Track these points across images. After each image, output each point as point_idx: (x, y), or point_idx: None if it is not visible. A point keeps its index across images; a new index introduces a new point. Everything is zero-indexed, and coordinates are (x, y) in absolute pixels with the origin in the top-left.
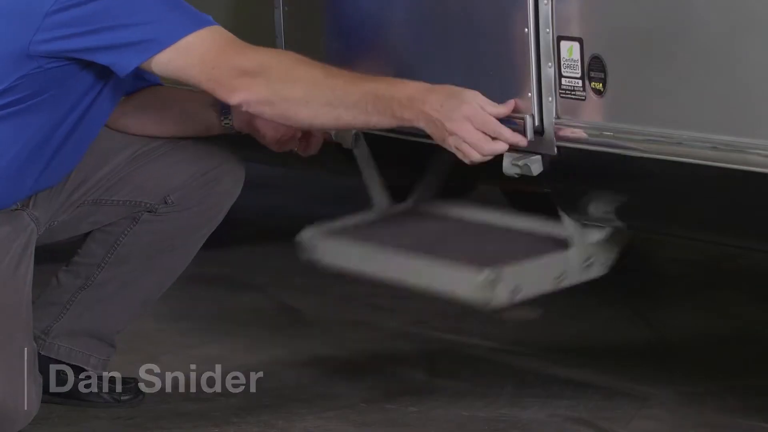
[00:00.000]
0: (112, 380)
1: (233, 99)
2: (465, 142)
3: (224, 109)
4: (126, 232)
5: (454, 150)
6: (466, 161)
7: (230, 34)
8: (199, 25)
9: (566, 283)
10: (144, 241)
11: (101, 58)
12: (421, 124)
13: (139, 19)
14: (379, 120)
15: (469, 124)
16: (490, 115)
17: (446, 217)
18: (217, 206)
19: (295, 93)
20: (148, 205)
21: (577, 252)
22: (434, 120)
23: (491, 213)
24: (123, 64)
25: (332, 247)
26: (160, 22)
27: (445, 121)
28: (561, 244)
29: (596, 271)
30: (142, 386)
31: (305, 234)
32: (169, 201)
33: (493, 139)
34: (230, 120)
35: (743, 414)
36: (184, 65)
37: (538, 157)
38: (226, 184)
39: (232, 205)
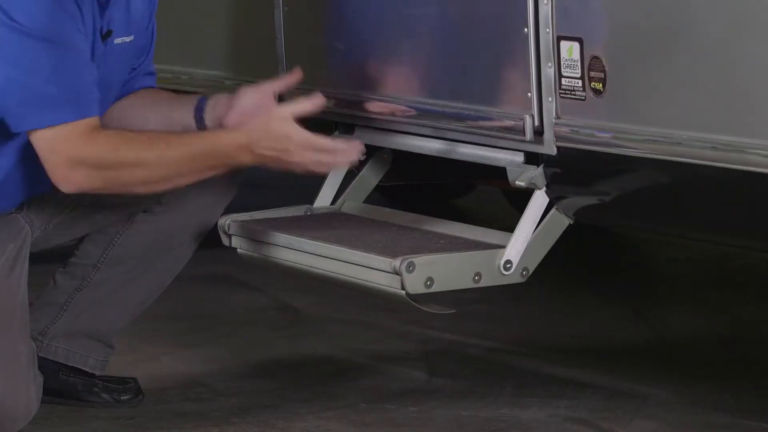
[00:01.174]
0: (111, 380)
1: (64, 188)
2: (313, 163)
3: (199, 117)
4: (121, 232)
5: (306, 172)
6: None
7: (91, 121)
8: (73, 114)
9: (483, 283)
10: (139, 242)
11: None
12: (263, 163)
13: (20, 78)
14: (216, 172)
15: (307, 150)
16: (299, 112)
17: (368, 219)
18: (212, 205)
19: (132, 178)
20: (142, 205)
21: (495, 254)
22: (274, 158)
23: (415, 218)
24: (9, 123)
25: (249, 235)
26: (35, 99)
27: (286, 158)
28: (480, 245)
29: (515, 277)
30: (141, 386)
31: (223, 221)
32: (164, 200)
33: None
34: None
35: (743, 414)
36: (39, 148)
37: (540, 169)
38: (221, 184)
39: (228, 204)
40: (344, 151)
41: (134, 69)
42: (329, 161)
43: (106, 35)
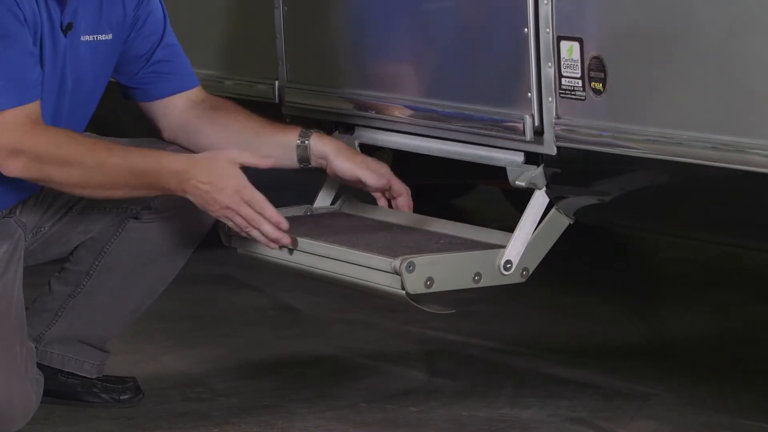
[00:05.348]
0: (110, 380)
1: (5, 171)
2: (239, 215)
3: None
4: (112, 240)
5: (225, 220)
6: (242, 233)
7: (33, 113)
8: (11, 101)
9: (483, 283)
10: (130, 249)
11: None
12: (189, 197)
13: None
14: (147, 193)
15: (239, 198)
16: (249, 162)
17: (368, 219)
18: (203, 212)
19: (69, 178)
20: (133, 211)
21: (495, 254)
22: (202, 193)
23: (415, 219)
24: None
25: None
26: None
27: (216, 195)
28: (480, 245)
29: (515, 277)
30: (142, 386)
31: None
32: (153, 206)
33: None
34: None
35: (743, 414)
36: None
37: (540, 170)
38: None
39: None
40: (273, 226)
41: (145, 65)
42: (253, 221)
43: (67, 29)
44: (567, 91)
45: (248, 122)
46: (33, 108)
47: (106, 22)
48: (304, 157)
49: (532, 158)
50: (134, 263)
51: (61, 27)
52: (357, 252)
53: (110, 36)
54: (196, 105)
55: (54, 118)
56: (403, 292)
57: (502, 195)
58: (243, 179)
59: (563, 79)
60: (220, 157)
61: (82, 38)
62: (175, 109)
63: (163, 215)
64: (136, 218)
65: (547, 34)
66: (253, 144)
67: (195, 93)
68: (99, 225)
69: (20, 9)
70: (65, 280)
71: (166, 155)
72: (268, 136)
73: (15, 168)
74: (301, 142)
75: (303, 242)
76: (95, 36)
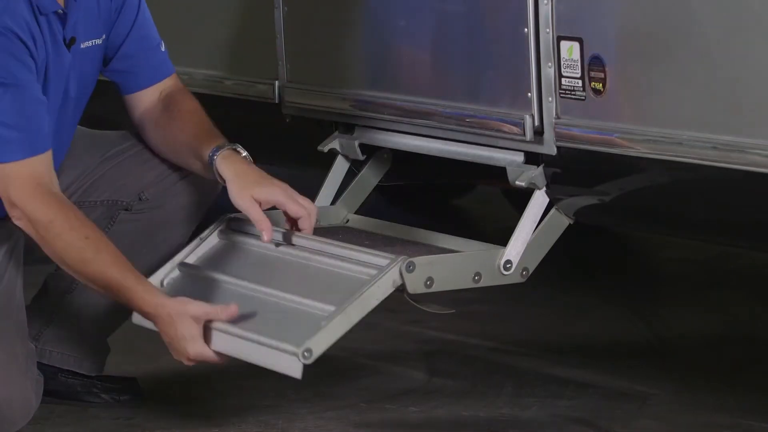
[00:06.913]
0: (111, 380)
1: (11, 215)
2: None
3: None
4: (104, 232)
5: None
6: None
7: (39, 167)
8: (22, 153)
9: (483, 283)
10: (123, 242)
11: None
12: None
13: None
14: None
15: (188, 360)
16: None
17: (374, 233)
18: (195, 204)
19: (50, 251)
20: (123, 203)
21: (495, 254)
22: (164, 340)
23: (422, 234)
24: None
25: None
26: None
27: (173, 351)
28: (480, 245)
29: (515, 277)
30: (142, 386)
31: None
32: (144, 197)
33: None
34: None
35: (743, 414)
36: None
37: (540, 169)
38: (205, 182)
39: (213, 200)
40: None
41: (112, 61)
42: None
43: (70, 43)
44: (567, 91)
45: (185, 135)
46: (41, 161)
47: (102, 25)
48: (218, 174)
49: (532, 158)
50: (128, 256)
51: (65, 42)
52: (356, 251)
53: (103, 37)
54: (154, 106)
55: (56, 129)
56: (405, 292)
57: (502, 195)
58: (196, 344)
59: (563, 79)
60: (183, 316)
61: (82, 45)
62: (138, 106)
63: (155, 205)
64: (127, 210)
65: (547, 34)
66: (189, 162)
67: (160, 87)
68: (91, 218)
69: (27, 48)
70: (60, 277)
71: (141, 290)
72: (198, 150)
73: (16, 220)
74: (210, 158)
75: (302, 239)
76: (93, 41)
